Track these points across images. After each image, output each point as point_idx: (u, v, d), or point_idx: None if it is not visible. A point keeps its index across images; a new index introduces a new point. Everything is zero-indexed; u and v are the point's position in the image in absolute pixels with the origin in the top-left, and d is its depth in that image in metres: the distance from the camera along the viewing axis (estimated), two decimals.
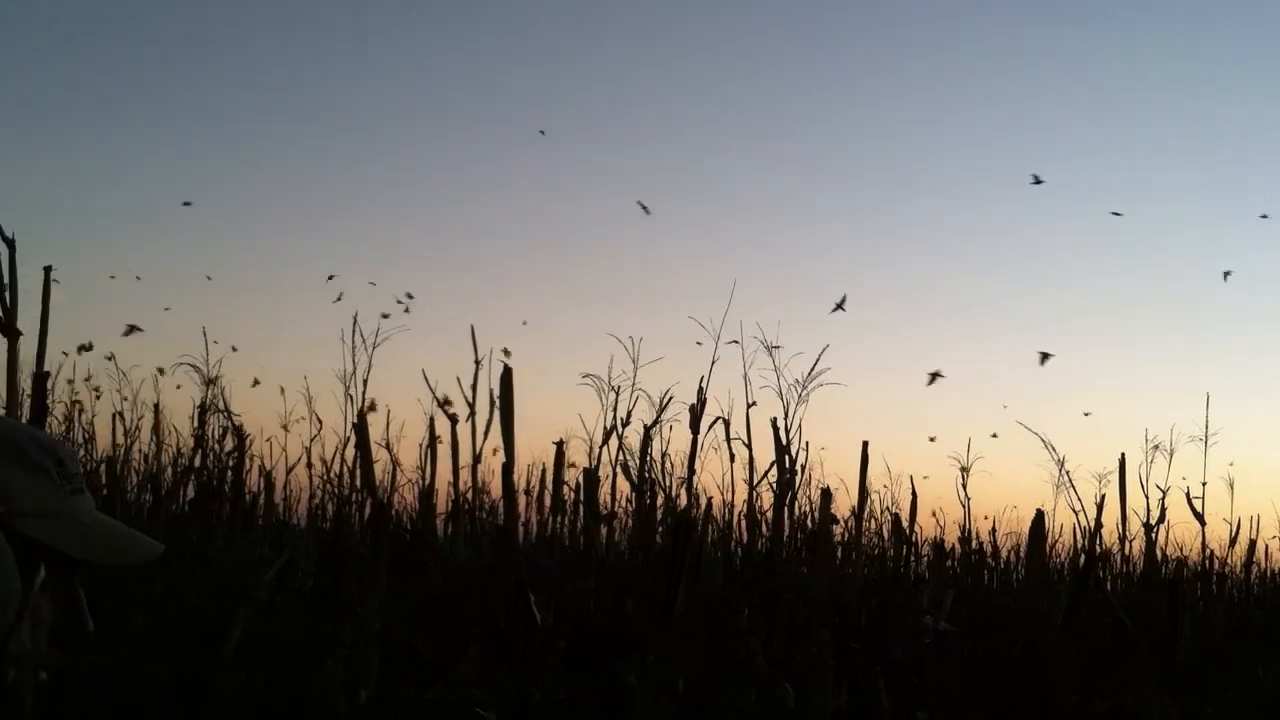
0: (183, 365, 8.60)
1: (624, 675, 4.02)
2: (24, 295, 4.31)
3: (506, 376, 5.06)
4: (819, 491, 7.42)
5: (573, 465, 8.21)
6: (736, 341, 7.35)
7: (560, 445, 8.04)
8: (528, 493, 10.07)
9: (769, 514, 8.23)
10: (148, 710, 3.72)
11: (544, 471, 9.37)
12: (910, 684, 4.52)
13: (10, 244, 4.14)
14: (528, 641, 4.79)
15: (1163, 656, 5.44)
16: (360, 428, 5.14)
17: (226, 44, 22.06)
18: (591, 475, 7.16)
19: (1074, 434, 15.48)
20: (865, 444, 7.59)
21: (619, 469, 8.11)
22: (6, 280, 4.14)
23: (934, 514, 10.70)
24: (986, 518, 12.04)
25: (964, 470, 9.50)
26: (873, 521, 10.20)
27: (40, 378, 4.32)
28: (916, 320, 20.68)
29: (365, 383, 6.82)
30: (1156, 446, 8.03)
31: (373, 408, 7.16)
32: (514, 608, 4.91)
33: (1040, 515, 5.55)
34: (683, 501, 8.06)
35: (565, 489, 8.53)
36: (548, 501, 9.17)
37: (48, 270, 4.52)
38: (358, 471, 7.40)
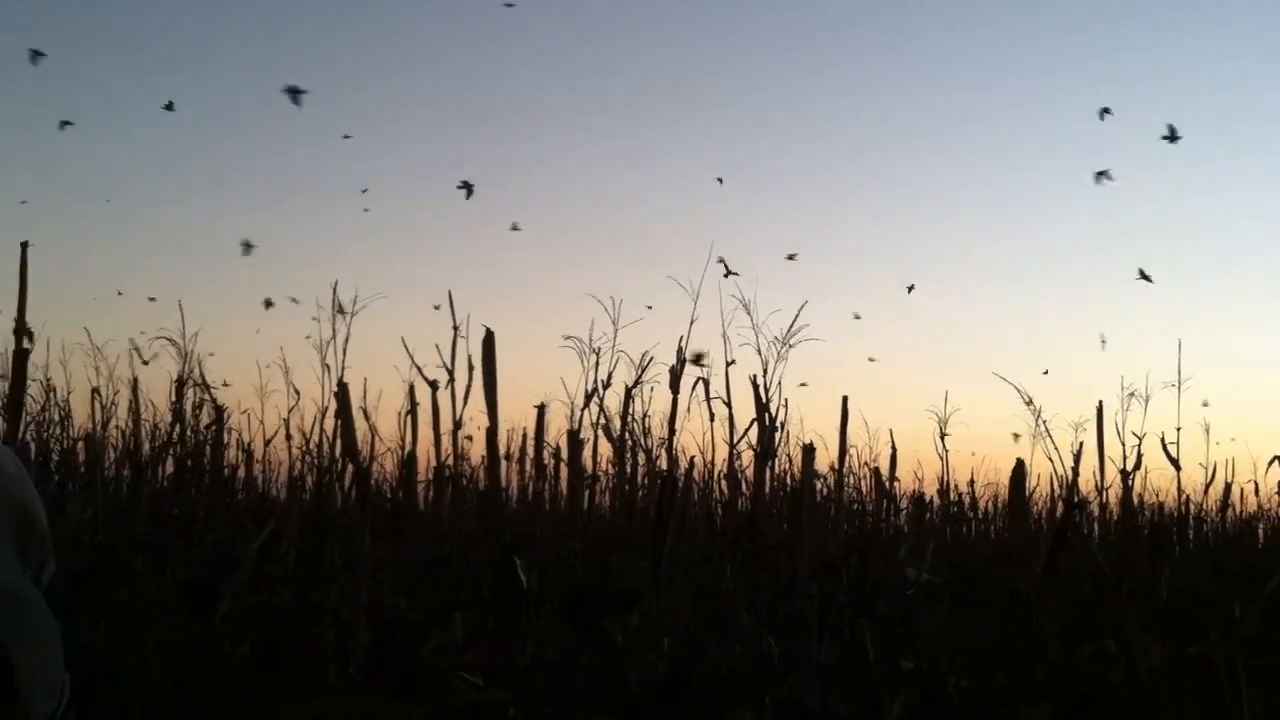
0: (159, 339, 8.58)
1: (613, 634, 4.04)
2: None
3: (488, 340, 5.07)
4: (800, 448, 7.47)
5: (572, 432, 8.22)
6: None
7: (541, 408, 8.05)
8: (508, 457, 10.10)
9: (750, 472, 8.28)
10: (142, 681, 3.72)
11: (525, 436, 9.40)
12: (896, 635, 4.56)
13: None
14: (514, 605, 4.81)
15: (1143, 600, 5.51)
16: (341, 394, 5.13)
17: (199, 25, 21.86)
18: (575, 438, 7.17)
19: (1051, 384, 15.60)
20: (845, 399, 7.62)
21: (600, 431, 8.12)
22: None
23: (915, 471, 10.79)
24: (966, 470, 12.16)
25: (942, 423, 9.56)
26: (852, 476, 10.28)
27: (20, 355, 4.30)
28: (893, 274, 20.73)
29: (344, 350, 6.77)
30: (1132, 394, 8.10)
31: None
32: (500, 572, 4.92)
33: (1020, 465, 5.60)
34: (663, 462, 8.09)
35: (546, 452, 8.56)
36: (529, 466, 9.19)
37: (24, 245, 4.48)
38: (338, 441, 7.40)
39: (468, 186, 8.90)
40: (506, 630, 4.81)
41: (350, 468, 6.65)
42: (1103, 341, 9.48)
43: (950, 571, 6.89)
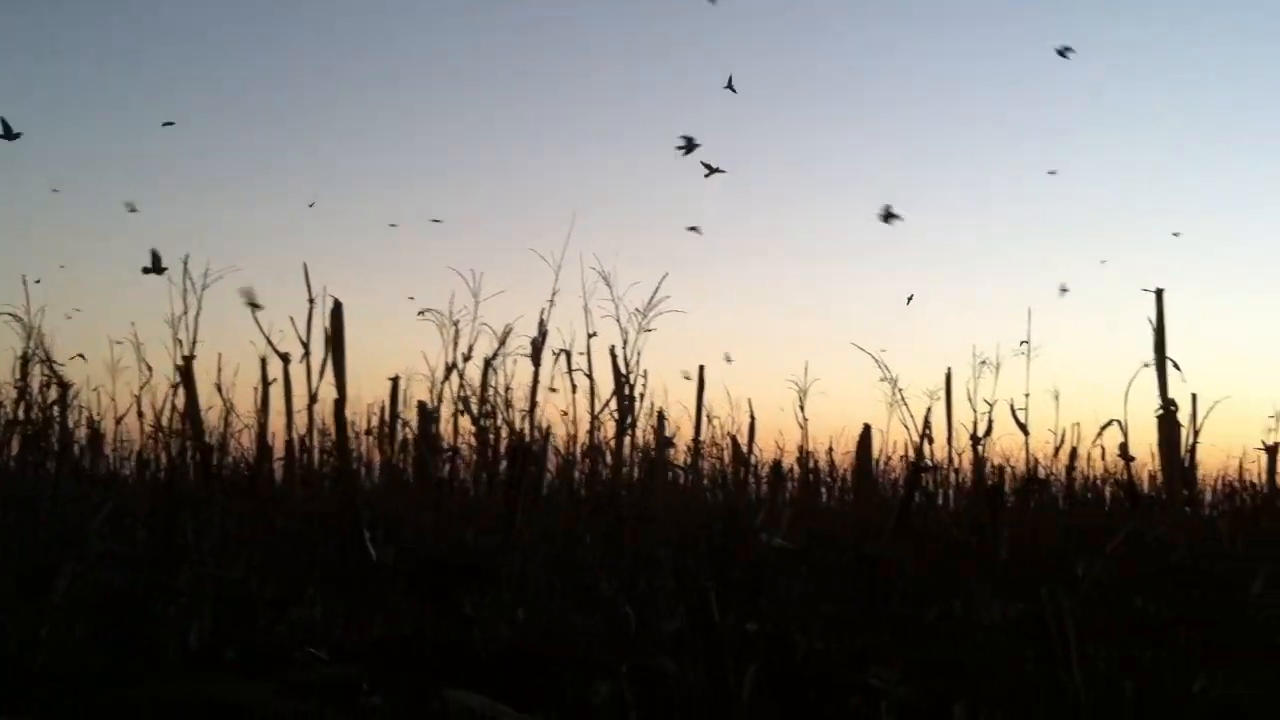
0: (2, 316, 8.28)
1: (461, 605, 4.03)
2: None
3: (337, 311, 5.00)
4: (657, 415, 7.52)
5: (422, 403, 8.14)
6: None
7: (395, 381, 7.97)
8: (369, 432, 10.00)
9: (612, 444, 8.30)
10: None
11: (383, 409, 9.29)
12: (748, 601, 4.62)
13: None
14: (365, 578, 4.77)
15: (987, 560, 5.66)
16: (185, 370, 5.02)
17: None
18: (426, 409, 7.12)
19: (911, 354, 15.90)
20: (701, 368, 7.70)
21: (460, 404, 8.06)
22: None
23: (776, 441, 10.92)
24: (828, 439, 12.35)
25: (801, 393, 9.68)
26: (716, 447, 10.39)
27: None
28: (754, 248, 20.93)
29: (195, 325, 6.61)
30: (984, 362, 8.26)
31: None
32: (352, 546, 4.88)
33: (867, 429, 5.71)
34: (526, 435, 8.07)
35: (405, 426, 8.48)
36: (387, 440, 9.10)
37: None
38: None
39: (689, 142, 8.39)
40: (360, 605, 4.77)
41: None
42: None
43: (807, 538, 6.99)
